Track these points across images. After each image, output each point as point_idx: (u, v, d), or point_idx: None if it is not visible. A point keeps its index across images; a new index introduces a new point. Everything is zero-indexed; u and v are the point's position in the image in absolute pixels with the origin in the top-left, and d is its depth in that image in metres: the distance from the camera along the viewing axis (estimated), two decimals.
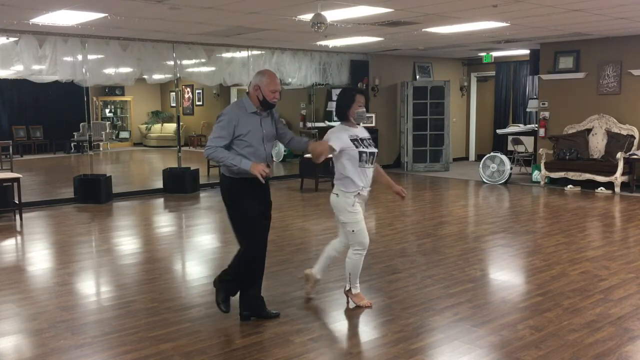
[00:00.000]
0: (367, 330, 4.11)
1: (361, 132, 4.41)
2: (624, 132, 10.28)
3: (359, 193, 4.29)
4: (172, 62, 10.52)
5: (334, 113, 4.54)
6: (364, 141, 4.33)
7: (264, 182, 3.99)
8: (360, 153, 4.25)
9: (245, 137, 3.99)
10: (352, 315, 4.41)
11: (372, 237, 6.86)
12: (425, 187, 11.23)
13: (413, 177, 12.47)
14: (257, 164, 3.92)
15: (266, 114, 4.13)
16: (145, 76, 10.55)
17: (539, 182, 11.00)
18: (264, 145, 4.09)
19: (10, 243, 7.03)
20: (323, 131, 13.97)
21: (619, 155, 9.90)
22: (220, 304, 4.18)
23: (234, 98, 18.47)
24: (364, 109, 4.36)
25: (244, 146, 4.01)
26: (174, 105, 17.91)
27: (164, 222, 8.43)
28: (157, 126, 20.36)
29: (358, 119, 4.37)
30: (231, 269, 4.21)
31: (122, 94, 20.04)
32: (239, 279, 4.18)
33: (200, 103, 20.13)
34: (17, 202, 8.21)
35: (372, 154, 4.32)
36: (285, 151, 14.86)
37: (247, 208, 4.04)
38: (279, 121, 4.32)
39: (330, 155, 4.26)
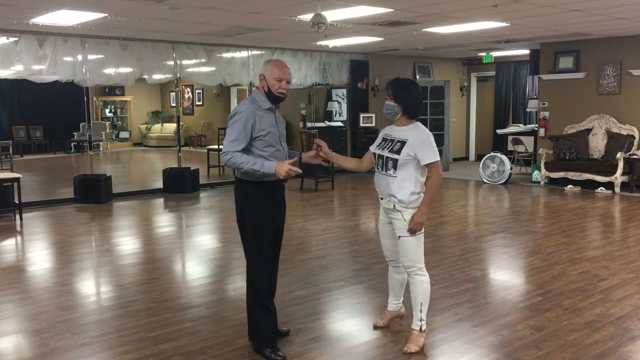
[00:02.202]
0: (367, 330, 4.10)
1: (401, 132, 3.73)
2: (624, 132, 10.28)
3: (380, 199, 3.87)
4: (172, 62, 10.53)
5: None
6: (391, 143, 3.74)
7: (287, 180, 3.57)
8: (374, 154, 3.84)
9: (266, 137, 3.54)
10: (352, 315, 4.41)
11: (372, 237, 6.88)
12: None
13: None
14: (282, 164, 3.47)
15: (277, 109, 3.73)
16: (145, 76, 10.55)
17: (539, 182, 11.00)
18: (282, 145, 3.69)
19: (10, 243, 7.03)
20: (323, 131, 14.00)
21: (619, 155, 9.90)
22: (272, 354, 3.63)
23: (234, 98, 18.48)
24: (387, 103, 3.76)
25: (264, 146, 3.56)
26: (174, 105, 17.90)
27: (164, 222, 8.42)
28: (157, 126, 20.36)
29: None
30: (248, 297, 3.76)
31: (122, 94, 20.04)
32: (261, 300, 3.71)
33: (200, 103, 20.13)
34: (17, 202, 8.21)
35: (380, 157, 3.75)
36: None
37: (264, 221, 3.61)
38: (282, 121, 3.82)
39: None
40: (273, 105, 3.64)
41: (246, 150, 3.52)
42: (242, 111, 3.55)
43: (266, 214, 3.62)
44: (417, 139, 3.64)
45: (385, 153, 3.71)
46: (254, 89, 3.76)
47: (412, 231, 3.67)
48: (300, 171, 3.57)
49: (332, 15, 7.38)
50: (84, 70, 9.47)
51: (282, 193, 3.76)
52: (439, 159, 3.67)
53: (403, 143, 3.65)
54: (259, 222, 3.61)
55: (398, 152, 3.65)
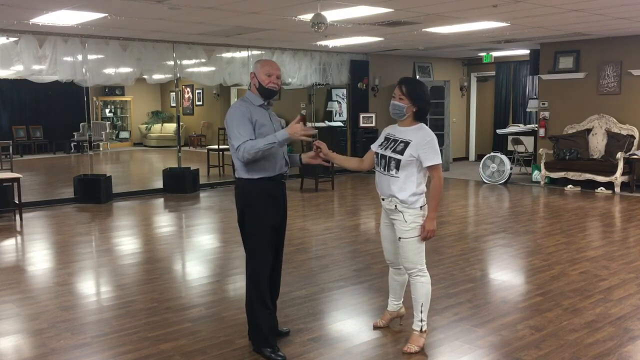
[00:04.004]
0: (367, 330, 4.10)
1: (405, 133, 3.68)
2: (624, 132, 10.28)
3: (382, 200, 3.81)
4: (172, 62, 10.53)
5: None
6: (394, 143, 3.69)
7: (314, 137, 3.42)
8: (376, 154, 3.78)
9: (261, 130, 3.52)
10: (352, 315, 4.41)
11: (372, 237, 6.88)
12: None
13: None
14: (293, 125, 3.42)
15: (270, 106, 3.71)
16: (145, 76, 10.56)
17: (539, 182, 11.00)
18: None
19: (10, 243, 7.03)
20: (323, 131, 14.00)
21: (619, 155, 9.90)
22: (272, 354, 3.61)
23: (234, 98, 18.48)
24: (394, 102, 3.68)
25: None
26: (174, 105, 17.91)
27: (164, 222, 8.42)
28: (157, 126, 20.36)
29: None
30: (247, 299, 3.72)
31: (122, 94, 20.03)
32: (259, 302, 3.65)
33: (200, 103, 20.13)
34: (17, 202, 8.21)
35: (383, 157, 3.69)
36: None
37: (264, 220, 3.59)
38: (278, 120, 3.80)
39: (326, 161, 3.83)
40: (265, 102, 3.64)
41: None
42: (235, 108, 3.59)
43: (266, 213, 3.61)
44: (422, 140, 3.60)
45: (388, 153, 3.66)
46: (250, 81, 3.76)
47: (425, 239, 3.68)
48: (316, 131, 3.51)
49: (332, 15, 7.38)
50: (84, 70, 9.47)
51: (283, 191, 3.74)
52: (441, 162, 3.66)
53: (407, 144, 3.61)
54: (258, 221, 3.60)
55: (401, 152, 3.61)
